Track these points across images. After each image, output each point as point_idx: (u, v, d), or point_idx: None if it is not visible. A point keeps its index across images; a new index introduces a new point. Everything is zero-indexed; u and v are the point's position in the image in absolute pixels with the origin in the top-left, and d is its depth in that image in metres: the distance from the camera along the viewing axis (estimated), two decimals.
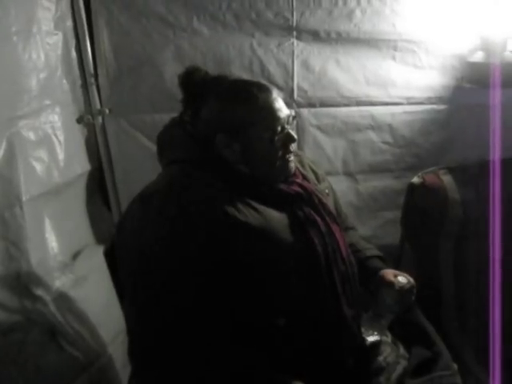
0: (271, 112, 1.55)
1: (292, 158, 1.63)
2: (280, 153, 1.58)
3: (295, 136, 1.61)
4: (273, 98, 1.56)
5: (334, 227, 1.64)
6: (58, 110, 2.14)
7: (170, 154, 1.65)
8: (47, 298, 1.93)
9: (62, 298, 1.99)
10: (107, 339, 2.14)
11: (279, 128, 1.55)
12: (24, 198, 1.89)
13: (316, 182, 1.77)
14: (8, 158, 1.85)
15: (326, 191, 1.78)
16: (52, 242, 2.04)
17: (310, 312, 1.54)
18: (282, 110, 1.57)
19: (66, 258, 2.12)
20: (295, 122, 1.71)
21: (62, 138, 2.14)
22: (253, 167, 1.58)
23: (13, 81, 1.90)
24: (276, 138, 1.55)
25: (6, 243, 1.82)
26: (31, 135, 1.98)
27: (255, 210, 1.52)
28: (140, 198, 1.56)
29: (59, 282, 2.00)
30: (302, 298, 1.53)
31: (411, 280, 1.72)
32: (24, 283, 1.87)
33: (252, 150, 1.56)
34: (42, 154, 2.03)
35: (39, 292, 1.91)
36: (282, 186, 1.60)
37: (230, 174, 1.57)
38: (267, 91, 1.57)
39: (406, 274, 1.74)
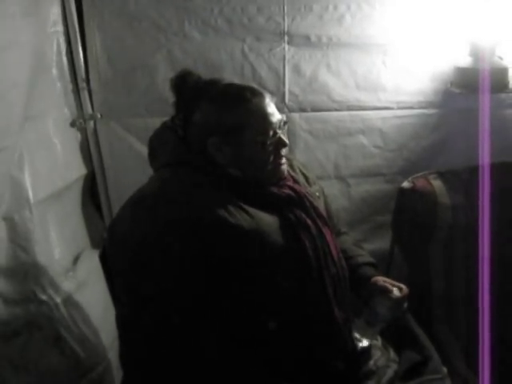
0: (264, 116, 1.55)
1: (284, 162, 1.63)
2: (271, 157, 1.58)
3: (287, 141, 1.61)
4: (266, 103, 1.57)
5: (325, 230, 1.65)
6: (53, 113, 2.14)
7: (162, 158, 1.65)
8: (52, 302, 1.92)
9: (67, 303, 1.98)
10: (107, 344, 2.14)
11: (271, 132, 1.56)
12: (32, 201, 1.88)
13: (307, 185, 1.78)
14: (18, 159, 1.85)
15: (317, 194, 1.78)
16: (56, 246, 2.04)
17: (300, 315, 1.55)
18: (275, 114, 1.58)
19: (68, 262, 2.13)
20: (286, 126, 1.72)
21: (59, 141, 2.15)
22: (244, 171, 1.59)
23: (24, 83, 1.89)
24: (268, 142, 1.55)
25: (13, 246, 1.81)
26: (35, 138, 1.98)
27: (246, 212, 1.52)
28: (131, 200, 1.56)
29: (63, 287, 2.00)
30: (293, 301, 1.54)
31: (404, 288, 1.73)
32: (30, 287, 1.86)
33: (244, 153, 1.56)
34: (45, 157, 2.04)
35: (45, 296, 1.90)
36: (274, 189, 1.60)
37: (221, 177, 1.58)
38: (260, 95, 1.58)
39: (398, 284, 1.74)
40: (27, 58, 1.90)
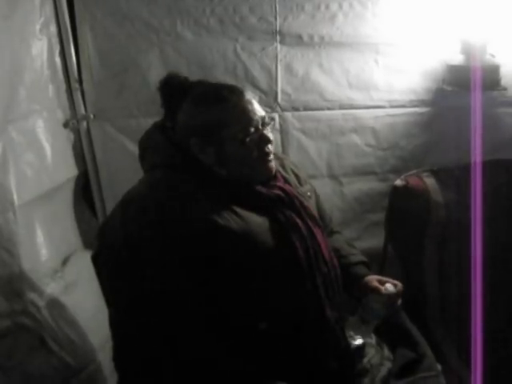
0: (242, 113, 1.55)
1: (271, 159, 1.63)
2: (255, 154, 1.58)
3: (270, 137, 1.61)
4: (245, 100, 1.57)
5: (316, 230, 1.65)
6: (45, 114, 2.14)
7: (152, 159, 1.66)
8: (38, 304, 1.92)
9: (53, 305, 1.98)
10: (97, 345, 2.13)
11: (252, 129, 1.55)
12: (16, 203, 1.88)
13: (298, 185, 1.78)
14: (2, 162, 1.84)
15: (308, 194, 1.78)
16: (43, 247, 2.03)
17: (292, 315, 1.55)
18: (255, 111, 1.57)
19: (56, 264, 2.12)
20: (273, 123, 1.71)
21: (49, 142, 2.14)
22: (229, 169, 1.59)
23: (3, 86, 1.89)
24: (248, 139, 1.54)
25: None
26: (21, 139, 1.97)
27: (236, 213, 1.53)
28: (122, 203, 1.56)
29: (50, 288, 2.00)
30: (285, 302, 1.54)
31: (399, 284, 1.74)
32: (15, 289, 1.86)
33: (225, 152, 1.56)
34: (32, 158, 2.03)
35: (30, 298, 1.90)
36: (263, 190, 1.60)
37: (209, 177, 1.58)
38: (239, 93, 1.58)
39: (392, 280, 1.75)
40: (6, 61, 1.90)
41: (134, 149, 2.28)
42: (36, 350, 1.90)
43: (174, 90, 1.63)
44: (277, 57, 2.44)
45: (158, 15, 2.33)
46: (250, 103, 1.58)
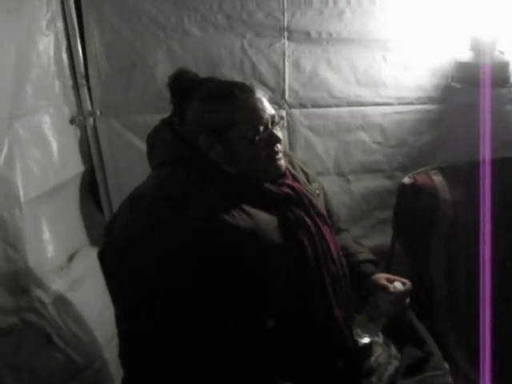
0: (252, 112, 1.54)
1: (280, 157, 1.62)
2: (264, 153, 1.57)
3: (280, 136, 1.60)
4: (255, 98, 1.56)
5: (325, 228, 1.64)
6: (51, 110, 2.14)
7: (160, 156, 1.65)
8: (44, 300, 1.93)
9: (59, 301, 1.98)
10: (103, 342, 2.13)
11: (261, 128, 1.54)
12: (23, 200, 1.88)
13: (306, 182, 1.77)
14: (8, 158, 1.84)
15: (317, 192, 1.78)
16: (49, 244, 2.04)
17: (300, 313, 1.54)
18: (265, 110, 1.56)
19: (62, 260, 2.12)
20: (283, 122, 1.71)
21: (56, 138, 2.14)
22: (238, 167, 1.58)
23: (9, 81, 1.89)
24: (257, 138, 1.54)
25: (4, 245, 1.82)
26: (28, 136, 1.97)
27: (244, 211, 1.52)
28: (129, 200, 1.56)
29: (56, 285, 2.00)
30: (292, 300, 1.54)
31: (407, 282, 1.73)
32: (21, 286, 1.86)
33: (234, 150, 1.56)
34: (38, 154, 2.03)
35: (36, 295, 1.90)
36: (272, 188, 1.59)
37: (218, 175, 1.57)
38: (249, 91, 1.57)
39: (400, 279, 1.75)
40: (11, 57, 1.89)
41: (141, 145, 2.30)
42: (42, 347, 1.91)
43: (183, 86, 1.62)
44: (284, 53, 2.43)
45: (165, 11, 2.33)
46: (260, 101, 1.57)
